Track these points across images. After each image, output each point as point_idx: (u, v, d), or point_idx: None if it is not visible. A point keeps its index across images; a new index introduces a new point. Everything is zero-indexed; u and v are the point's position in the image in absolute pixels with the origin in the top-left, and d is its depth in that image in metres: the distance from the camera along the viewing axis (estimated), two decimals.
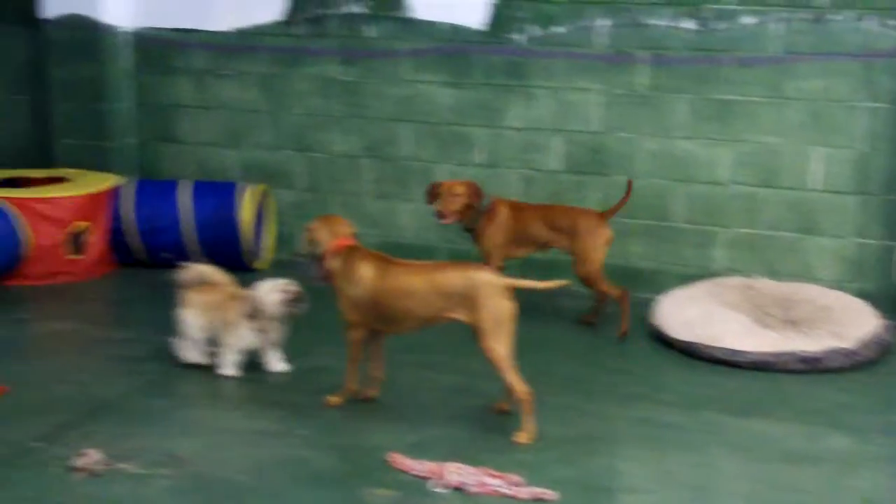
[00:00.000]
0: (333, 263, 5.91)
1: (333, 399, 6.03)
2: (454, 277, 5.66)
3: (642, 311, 7.65)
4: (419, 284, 5.70)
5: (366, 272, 5.80)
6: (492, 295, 5.57)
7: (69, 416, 5.84)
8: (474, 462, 5.25)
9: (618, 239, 8.16)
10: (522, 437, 5.58)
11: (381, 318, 5.85)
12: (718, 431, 5.83)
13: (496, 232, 7.33)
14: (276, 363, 6.57)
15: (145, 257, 8.64)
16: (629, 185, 7.43)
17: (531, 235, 7.35)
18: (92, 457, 5.22)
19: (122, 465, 5.24)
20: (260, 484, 5.13)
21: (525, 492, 5.03)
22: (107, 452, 5.30)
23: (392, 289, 5.74)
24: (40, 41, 9.42)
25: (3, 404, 5.99)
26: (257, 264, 8.70)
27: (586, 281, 7.32)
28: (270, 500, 4.98)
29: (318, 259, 6.02)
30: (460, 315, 5.65)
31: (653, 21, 7.89)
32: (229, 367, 6.49)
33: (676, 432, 5.80)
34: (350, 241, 5.96)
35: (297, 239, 8.99)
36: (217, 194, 8.57)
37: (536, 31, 8.14)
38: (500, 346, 5.57)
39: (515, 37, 8.20)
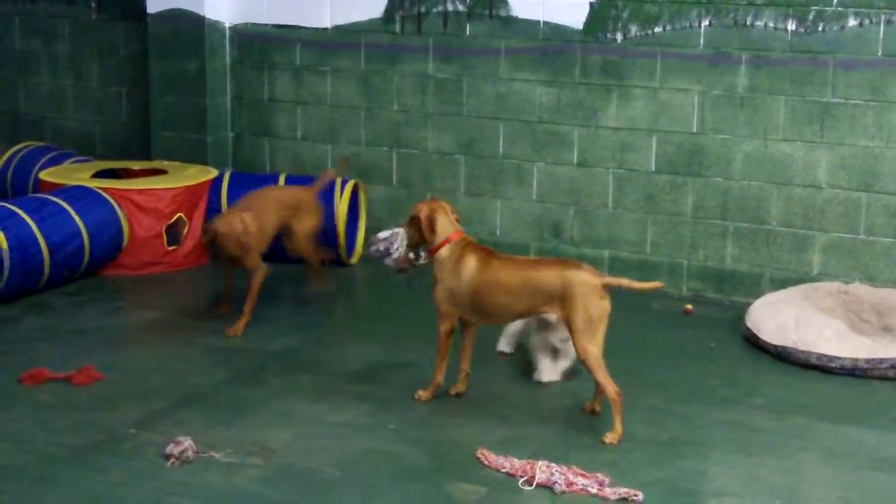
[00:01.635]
0: (442, 253, 5.91)
1: (423, 394, 6.06)
2: (550, 275, 5.68)
3: (736, 315, 7.56)
4: (516, 280, 5.73)
5: (470, 264, 5.83)
6: (587, 294, 5.57)
7: (162, 404, 5.94)
8: (562, 461, 5.24)
9: (713, 240, 8.09)
10: (611, 438, 5.56)
11: (476, 311, 5.88)
12: (810, 437, 5.75)
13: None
14: (550, 373, 6.39)
15: None
16: (343, 161, 8.29)
17: (274, 223, 7.43)
18: (184, 444, 5.30)
19: (213, 454, 5.32)
20: (348, 476, 5.17)
21: (612, 492, 5.01)
22: (198, 441, 5.38)
23: (490, 282, 5.77)
24: (143, 35, 9.58)
25: (98, 391, 6.11)
26: (350, 259, 8.76)
27: (301, 252, 7.60)
28: (359, 493, 5.02)
29: (417, 247, 6.03)
30: (554, 311, 5.68)
31: (753, 22, 7.79)
32: (548, 371, 6.42)
33: (767, 437, 5.73)
34: (463, 233, 6.00)
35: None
36: None
37: (635, 30, 8.09)
38: (593, 345, 5.57)
39: (613, 36, 8.16)
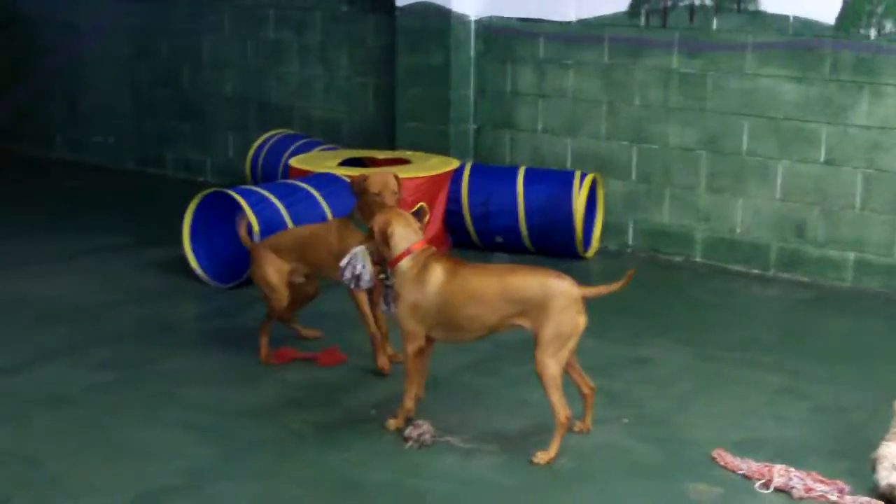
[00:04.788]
0: (403, 265, 5.43)
1: (393, 422, 5.60)
2: (530, 282, 5.28)
3: None
4: (491, 287, 5.32)
5: (437, 273, 5.37)
6: (565, 308, 5.20)
7: (402, 389, 6.06)
8: (801, 466, 5.14)
9: None
10: (541, 457, 5.23)
11: (444, 326, 5.46)
12: None
13: None
14: None
15: (478, 239, 8.86)
16: None
17: None
18: (422, 428, 5.42)
19: (450, 439, 5.43)
20: (583, 468, 5.20)
21: (853, 500, 4.89)
22: (436, 425, 5.49)
23: (461, 291, 5.34)
24: (391, 28, 9.81)
25: (342, 372, 6.32)
26: (586, 253, 8.77)
27: None
28: (593, 486, 5.04)
29: (383, 264, 5.52)
30: (524, 322, 5.29)
31: None
32: None
33: None
34: (425, 243, 5.54)
35: (621, 230, 9.01)
36: (551, 181, 8.69)
37: (890, 26, 7.82)
38: (554, 363, 5.21)
39: (867, 32, 7.90)
